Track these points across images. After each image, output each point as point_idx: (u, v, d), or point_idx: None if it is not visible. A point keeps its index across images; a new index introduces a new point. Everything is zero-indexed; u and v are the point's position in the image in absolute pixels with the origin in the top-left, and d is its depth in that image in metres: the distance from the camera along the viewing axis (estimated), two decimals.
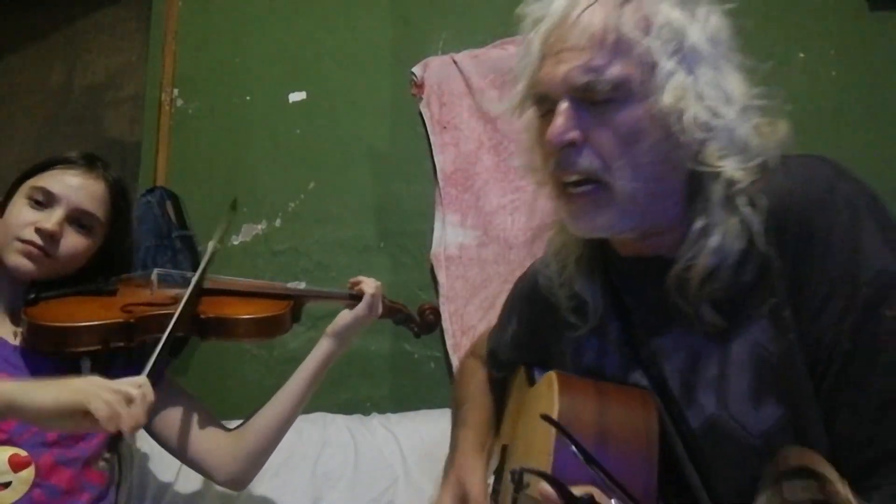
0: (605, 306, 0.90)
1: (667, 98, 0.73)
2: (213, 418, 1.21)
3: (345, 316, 1.20)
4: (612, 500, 0.60)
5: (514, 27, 0.85)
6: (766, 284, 0.75)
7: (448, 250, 1.79)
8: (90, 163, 1.18)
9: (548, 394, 0.86)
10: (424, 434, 1.48)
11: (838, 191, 0.73)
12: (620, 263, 0.89)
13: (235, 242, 1.94)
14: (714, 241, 0.75)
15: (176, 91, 2.07)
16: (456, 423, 1.14)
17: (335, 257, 1.90)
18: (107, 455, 0.85)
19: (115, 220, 1.19)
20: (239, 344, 1.81)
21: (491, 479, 1.05)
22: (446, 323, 1.75)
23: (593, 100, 0.75)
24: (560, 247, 0.93)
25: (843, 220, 0.71)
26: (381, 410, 1.68)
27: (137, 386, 0.90)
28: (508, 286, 1.16)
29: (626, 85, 0.74)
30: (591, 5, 0.75)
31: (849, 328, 0.70)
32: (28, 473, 1.02)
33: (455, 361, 1.71)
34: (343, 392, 1.79)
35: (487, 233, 1.77)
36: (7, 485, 1.00)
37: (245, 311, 1.16)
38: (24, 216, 1.11)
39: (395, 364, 1.83)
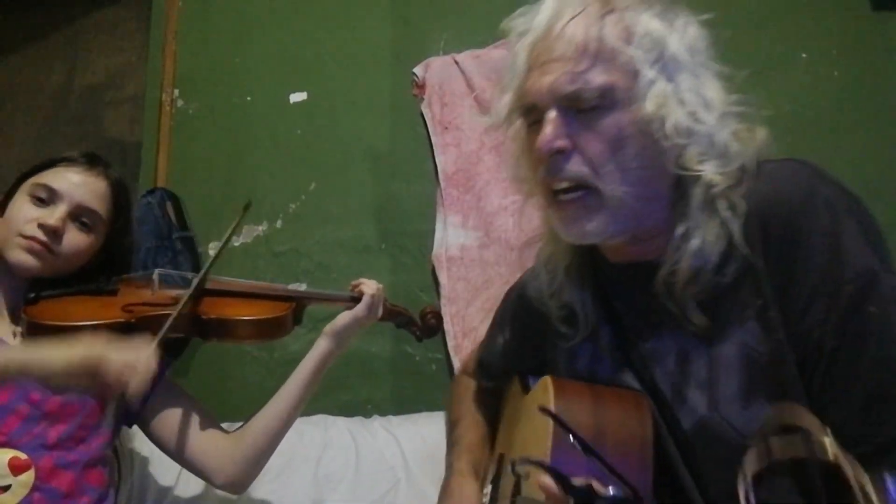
0: (596, 312, 0.91)
1: (650, 105, 0.76)
2: (212, 420, 1.20)
3: (344, 316, 1.19)
4: (610, 489, 0.61)
5: None
6: (753, 287, 0.77)
7: (449, 251, 1.79)
8: (92, 161, 1.18)
9: (543, 398, 0.87)
10: (426, 436, 1.48)
11: (818, 194, 0.76)
12: (610, 270, 0.91)
13: (236, 244, 1.94)
14: (695, 243, 0.78)
15: (176, 91, 2.06)
16: (450, 446, 1.15)
17: (336, 258, 1.89)
18: (109, 412, 0.96)
19: (117, 219, 1.19)
20: (240, 345, 1.81)
21: (488, 489, 1.06)
22: (448, 324, 1.74)
23: (580, 108, 0.78)
24: (549, 257, 0.95)
25: (824, 221, 0.74)
26: (383, 412, 1.68)
27: (143, 357, 0.93)
28: (534, 248, 1.14)
29: (611, 92, 0.77)
30: (574, 17, 0.78)
31: (834, 326, 0.73)
32: (28, 477, 1.01)
33: (456, 363, 1.71)
34: (344, 394, 1.78)
35: (489, 234, 1.77)
36: (6, 488, 0.99)
37: (246, 313, 1.15)
38: (26, 213, 1.11)
39: (396, 366, 1.82)
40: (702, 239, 0.78)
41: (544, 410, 0.75)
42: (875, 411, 0.71)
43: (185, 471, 1.23)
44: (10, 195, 1.15)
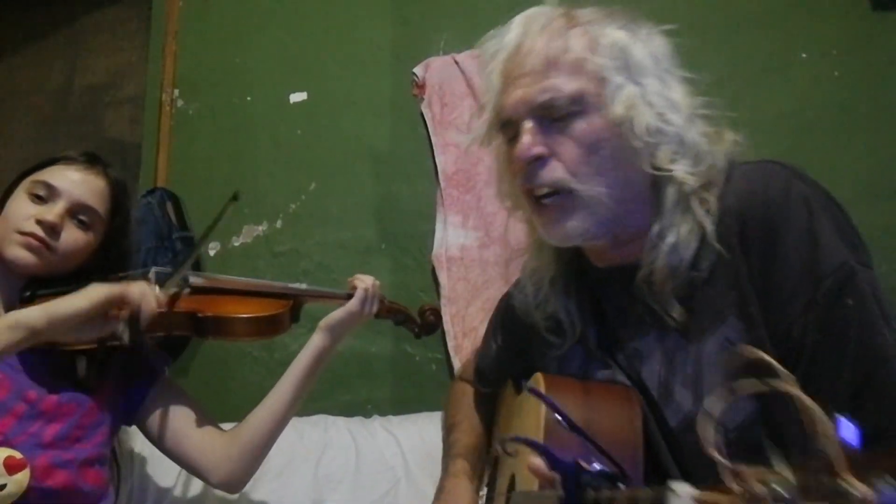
0: (583, 317, 0.94)
1: (619, 108, 0.80)
2: (208, 419, 1.20)
3: (338, 311, 1.18)
4: (595, 465, 0.62)
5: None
6: (733, 284, 0.80)
7: (449, 251, 1.78)
8: (91, 160, 1.18)
9: None
10: (426, 436, 1.48)
11: (794, 191, 0.78)
12: (597, 274, 0.94)
13: (236, 244, 1.94)
14: (669, 241, 0.81)
15: (176, 91, 2.06)
16: (446, 449, 1.16)
17: (336, 258, 1.89)
18: (125, 324, 1.00)
19: (115, 218, 1.19)
20: (238, 343, 1.80)
21: (484, 491, 1.06)
22: (448, 325, 1.74)
23: (553, 116, 0.82)
24: (534, 270, 0.98)
25: (800, 218, 0.77)
26: (383, 412, 1.68)
27: (151, 291, 1.03)
28: (519, 262, 1.15)
29: (582, 99, 0.81)
30: (541, 32, 0.83)
31: (815, 320, 0.75)
32: (23, 476, 1.01)
33: (456, 363, 1.71)
34: (344, 394, 1.78)
35: (489, 234, 1.76)
36: (2, 487, 0.99)
37: (243, 310, 1.15)
38: (24, 210, 1.11)
39: (396, 366, 1.82)
40: (676, 236, 0.81)
41: (531, 390, 0.78)
42: (860, 402, 0.73)
43: (185, 471, 1.23)
44: (8, 193, 1.15)
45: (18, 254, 1.08)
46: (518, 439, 0.73)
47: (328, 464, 1.44)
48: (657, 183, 0.83)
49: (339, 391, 1.77)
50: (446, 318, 1.74)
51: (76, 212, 1.13)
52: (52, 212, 1.10)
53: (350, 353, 1.78)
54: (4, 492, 0.99)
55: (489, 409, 1.18)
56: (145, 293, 1.01)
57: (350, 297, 1.18)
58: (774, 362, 0.39)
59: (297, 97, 2.00)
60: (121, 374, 1.17)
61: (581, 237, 0.85)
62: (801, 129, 1.78)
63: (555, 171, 0.82)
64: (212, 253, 1.93)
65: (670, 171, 0.81)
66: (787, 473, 0.33)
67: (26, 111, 2.35)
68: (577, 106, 0.81)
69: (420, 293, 1.83)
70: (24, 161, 1.23)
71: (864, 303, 0.74)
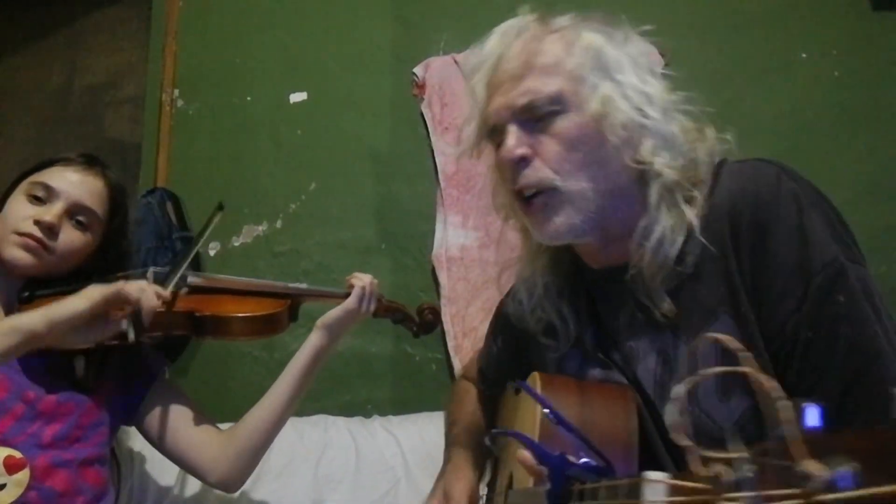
0: (579, 318, 0.95)
1: (597, 103, 0.82)
2: (206, 418, 1.20)
3: (336, 309, 1.17)
4: (583, 458, 0.63)
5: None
6: (724, 281, 0.80)
7: (449, 251, 1.78)
8: (90, 161, 1.18)
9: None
10: (426, 436, 1.48)
11: (784, 188, 0.79)
12: (592, 275, 0.95)
13: (236, 244, 1.94)
14: (655, 236, 0.82)
15: (176, 91, 2.06)
16: (448, 443, 1.16)
17: (336, 259, 1.89)
18: (129, 321, 1.00)
19: (113, 220, 1.19)
20: (236, 342, 1.80)
21: (484, 491, 1.06)
22: (448, 325, 1.74)
23: (535, 117, 0.84)
24: (528, 276, 0.99)
25: (790, 215, 0.77)
26: (383, 412, 1.68)
27: (152, 287, 1.04)
28: (511, 271, 1.16)
29: (561, 98, 0.83)
30: (518, 40, 0.86)
31: (806, 316, 0.75)
32: (23, 476, 1.01)
33: (456, 363, 1.71)
34: (344, 394, 1.78)
35: (489, 234, 1.76)
36: (1, 487, 0.99)
37: (242, 310, 1.15)
38: (22, 210, 1.11)
39: (396, 366, 1.82)
40: (661, 232, 0.82)
41: (521, 386, 0.80)
42: (851, 399, 0.73)
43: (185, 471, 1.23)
44: (7, 195, 1.15)
45: (16, 254, 1.08)
46: (504, 432, 0.74)
47: (328, 464, 1.44)
48: (642, 179, 0.84)
49: (339, 391, 1.77)
50: (446, 318, 1.74)
51: (74, 212, 1.13)
52: (51, 212, 1.10)
53: (350, 353, 1.78)
54: (4, 492, 0.99)
55: (491, 407, 1.19)
56: (144, 289, 1.02)
57: (347, 295, 1.18)
58: (734, 343, 0.39)
59: (297, 97, 2.00)
60: (119, 375, 1.17)
61: (570, 233, 0.86)
62: (801, 129, 1.78)
63: (538, 171, 0.84)
64: (212, 253, 1.93)
65: (651, 163, 0.82)
66: (748, 457, 0.34)
67: (26, 111, 2.35)
68: (557, 105, 0.83)
69: (420, 293, 1.83)
70: (24, 161, 1.23)
71: (854, 299, 0.75)
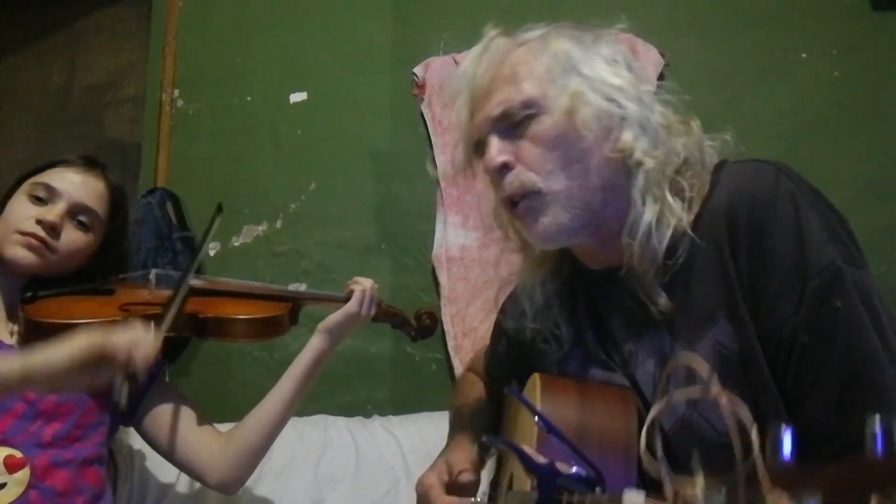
0: (578, 318, 0.95)
1: (566, 100, 0.83)
2: (204, 419, 1.20)
3: (336, 313, 1.18)
4: (574, 468, 0.63)
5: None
6: (723, 284, 0.80)
7: (449, 251, 1.79)
8: (90, 163, 1.19)
9: (531, 394, 0.90)
10: (426, 436, 1.48)
11: (781, 189, 0.78)
12: (591, 276, 0.95)
13: (236, 244, 1.94)
14: (641, 231, 0.82)
15: (176, 92, 2.06)
16: (451, 429, 1.15)
17: (336, 259, 1.89)
18: (121, 387, 0.90)
19: (114, 220, 1.20)
20: (237, 344, 1.81)
21: (486, 489, 1.06)
22: (448, 325, 1.74)
23: (513, 124, 0.85)
24: (529, 285, 0.99)
25: (788, 216, 0.77)
26: (382, 412, 1.68)
27: (144, 334, 0.92)
28: (510, 288, 1.16)
29: (533, 102, 0.84)
30: (490, 58, 0.88)
31: (803, 322, 0.75)
32: (23, 475, 1.01)
33: (456, 363, 1.71)
34: (344, 394, 1.78)
35: (489, 234, 1.76)
36: (2, 486, 0.99)
37: (243, 312, 1.16)
38: (25, 211, 1.11)
39: (396, 366, 1.82)
40: (647, 225, 0.82)
41: (509, 390, 0.80)
42: (846, 405, 0.73)
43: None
44: (7, 196, 1.15)
45: (18, 253, 1.09)
46: (495, 441, 0.74)
47: (328, 464, 1.44)
48: (628, 172, 0.84)
49: (339, 391, 1.77)
50: (446, 319, 1.74)
51: (76, 213, 1.13)
52: (53, 212, 1.10)
53: (350, 354, 1.78)
54: (5, 490, 0.99)
55: (497, 403, 1.19)
56: (137, 342, 0.89)
57: (348, 300, 1.19)
58: (706, 369, 0.39)
59: (297, 97, 2.00)
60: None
61: (560, 233, 0.86)
62: (801, 129, 1.78)
63: (520, 175, 0.85)
64: (212, 253, 1.93)
65: (630, 152, 0.82)
66: (718, 486, 0.34)
67: (26, 111, 2.35)
68: (531, 109, 0.84)
69: (420, 293, 1.83)
70: (25, 161, 1.24)
71: (851, 304, 0.74)
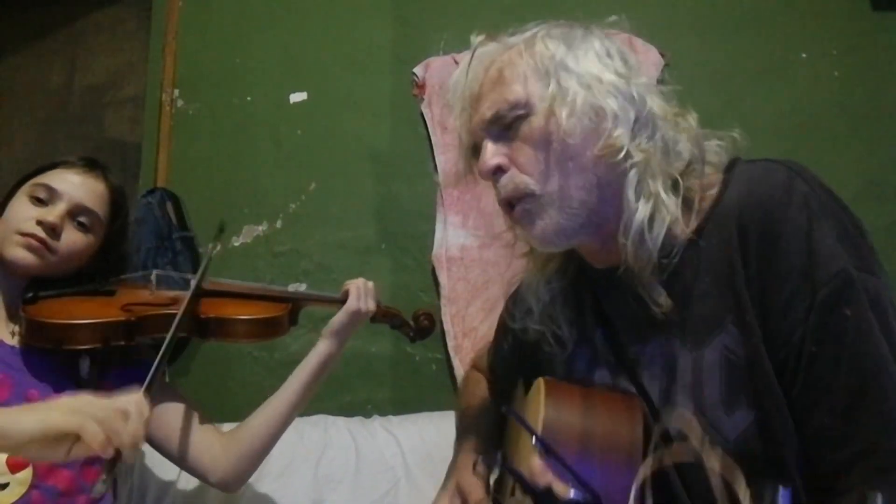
0: (585, 318, 0.95)
1: (552, 97, 0.83)
2: (206, 419, 1.21)
3: (339, 314, 1.20)
4: (572, 491, 0.63)
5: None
6: (731, 289, 0.78)
7: (449, 251, 1.79)
8: (91, 164, 1.19)
9: (535, 399, 0.88)
10: (426, 436, 1.48)
11: (795, 192, 0.76)
12: (597, 275, 0.94)
13: (236, 244, 1.94)
14: (634, 229, 0.81)
15: (176, 92, 2.06)
16: (459, 433, 1.15)
17: (336, 259, 1.89)
18: (104, 477, 0.81)
19: (114, 221, 1.20)
20: (238, 344, 1.81)
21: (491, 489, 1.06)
22: (448, 325, 1.74)
23: (505, 126, 0.85)
24: (535, 285, 0.99)
25: (799, 221, 0.75)
26: (383, 413, 1.68)
27: (133, 401, 0.84)
28: (510, 288, 1.16)
29: (523, 103, 0.84)
30: (481, 63, 0.89)
31: (812, 329, 0.73)
32: (26, 475, 1.01)
33: (456, 363, 1.71)
34: (344, 394, 1.78)
35: (489, 234, 1.77)
36: (5, 486, 1.00)
37: (244, 312, 1.16)
38: (25, 211, 1.11)
39: (396, 366, 1.82)
40: (639, 222, 0.81)
41: (507, 410, 0.81)
42: (854, 415, 0.71)
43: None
44: (8, 198, 1.16)
45: (18, 254, 1.09)
46: (498, 462, 0.74)
47: (328, 464, 1.44)
48: (620, 169, 0.82)
49: (339, 391, 1.77)
50: (446, 319, 1.74)
51: (76, 214, 1.14)
52: (53, 213, 1.11)
53: (350, 354, 1.77)
54: (7, 490, 1.00)
55: (502, 400, 1.19)
56: (117, 432, 0.79)
57: (346, 300, 1.21)
58: (696, 434, 0.39)
59: (297, 97, 2.01)
60: (121, 375, 1.18)
61: (559, 235, 0.85)
62: (801, 129, 1.78)
63: (515, 177, 0.85)
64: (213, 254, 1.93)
65: (620, 148, 0.81)
66: None
67: (26, 111, 2.35)
68: (521, 110, 0.84)
69: (420, 293, 1.83)
70: (25, 161, 1.24)
71: (860, 311, 0.72)
